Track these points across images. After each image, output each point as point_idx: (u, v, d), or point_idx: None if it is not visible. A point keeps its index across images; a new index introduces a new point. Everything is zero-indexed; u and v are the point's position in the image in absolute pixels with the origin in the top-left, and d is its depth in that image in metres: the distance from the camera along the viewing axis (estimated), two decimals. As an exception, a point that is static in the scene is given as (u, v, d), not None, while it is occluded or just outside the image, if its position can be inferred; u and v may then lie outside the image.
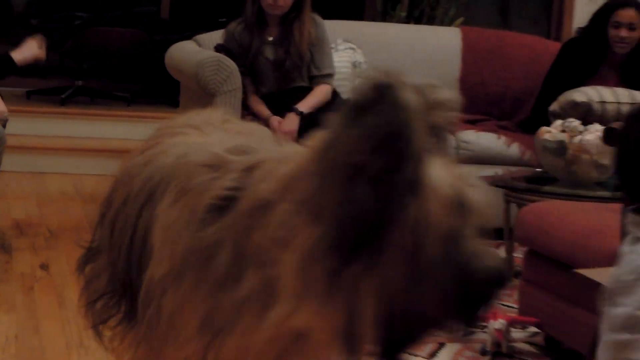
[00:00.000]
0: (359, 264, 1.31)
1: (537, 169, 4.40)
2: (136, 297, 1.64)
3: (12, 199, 4.88)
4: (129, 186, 1.73)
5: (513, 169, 4.59)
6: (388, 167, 1.27)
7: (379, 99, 1.28)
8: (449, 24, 6.36)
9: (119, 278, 1.74)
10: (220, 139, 1.71)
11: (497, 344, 3.23)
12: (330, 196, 1.31)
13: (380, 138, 1.27)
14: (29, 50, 4.18)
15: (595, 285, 2.28)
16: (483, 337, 3.28)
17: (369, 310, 1.33)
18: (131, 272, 1.68)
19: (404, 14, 6.40)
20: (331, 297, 1.35)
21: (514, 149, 4.84)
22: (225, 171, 1.50)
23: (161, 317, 1.56)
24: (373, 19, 6.55)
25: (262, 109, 4.40)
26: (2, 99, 4.02)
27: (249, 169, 1.47)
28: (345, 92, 4.70)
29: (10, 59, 4.15)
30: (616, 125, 3.34)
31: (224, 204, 1.44)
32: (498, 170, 4.42)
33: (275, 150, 1.58)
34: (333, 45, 4.81)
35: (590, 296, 2.56)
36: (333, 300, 1.35)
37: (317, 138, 1.36)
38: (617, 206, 2.92)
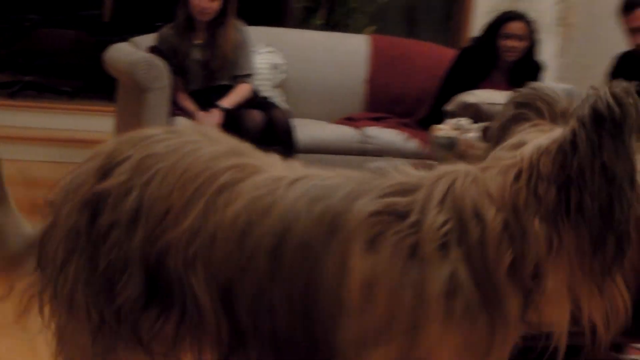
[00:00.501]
0: (619, 257, 1.36)
1: (432, 162, 4.71)
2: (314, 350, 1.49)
3: (-38, 182, 4.92)
4: (260, 238, 1.50)
5: (412, 161, 4.36)
6: (632, 168, 1.35)
7: (626, 111, 1.32)
8: (361, 31, 6.43)
9: (274, 335, 1.51)
10: (334, 176, 1.53)
11: None
12: (591, 202, 1.36)
13: (630, 145, 1.33)
14: None
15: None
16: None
17: (626, 294, 1.39)
18: (311, 326, 1.50)
19: (320, 22, 6.59)
20: (598, 291, 1.39)
21: (413, 144, 4.89)
22: (418, 213, 1.41)
23: None
24: (293, 26, 6.54)
25: (189, 105, 4.50)
26: None
27: (443, 201, 1.42)
28: (265, 91, 4.93)
29: None
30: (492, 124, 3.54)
31: (445, 240, 1.38)
32: (398, 162, 4.42)
33: (438, 175, 1.46)
34: (255, 49, 4.93)
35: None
36: (600, 294, 1.39)
37: (530, 149, 1.38)
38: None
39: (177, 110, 4.47)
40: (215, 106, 4.42)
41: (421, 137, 4.81)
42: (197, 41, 4.53)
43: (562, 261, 1.38)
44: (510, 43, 4.78)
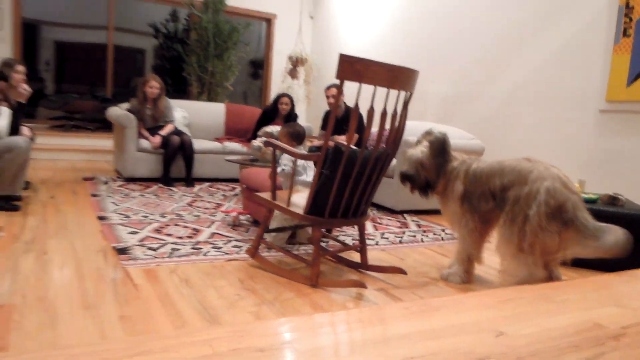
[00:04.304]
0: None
1: (252, 156, 5.54)
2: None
3: None
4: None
5: (245, 157, 5.87)
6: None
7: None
8: (222, 102, 7.91)
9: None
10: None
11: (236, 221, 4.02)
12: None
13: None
14: None
15: (262, 200, 2.90)
16: (229, 220, 4.14)
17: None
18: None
19: (205, 97, 7.91)
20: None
21: (245, 148, 6.54)
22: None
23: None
24: (192, 99, 7.86)
25: (146, 133, 5.98)
26: None
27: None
28: (180, 127, 6.43)
29: None
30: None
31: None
32: (239, 157, 6.05)
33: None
34: (175, 109, 6.56)
35: (259, 204, 3.67)
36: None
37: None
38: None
39: (140, 136, 6.03)
40: (158, 134, 6.02)
41: (248, 146, 6.50)
42: (148, 106, 6.17)
43: None
44: (283, 106, 6.60)
